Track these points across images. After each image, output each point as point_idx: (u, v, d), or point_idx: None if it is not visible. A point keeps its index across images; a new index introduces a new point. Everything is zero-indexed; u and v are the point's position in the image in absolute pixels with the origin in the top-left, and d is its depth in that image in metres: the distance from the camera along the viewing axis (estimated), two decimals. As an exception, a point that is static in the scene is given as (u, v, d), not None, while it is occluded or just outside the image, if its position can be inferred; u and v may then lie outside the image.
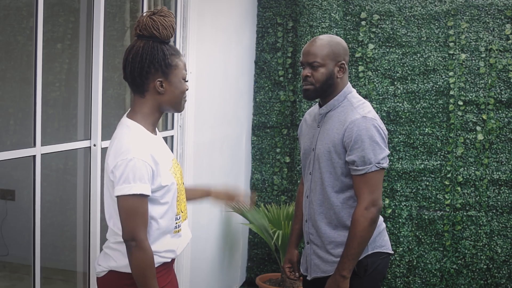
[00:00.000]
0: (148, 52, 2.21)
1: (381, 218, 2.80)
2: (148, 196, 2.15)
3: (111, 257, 2.27)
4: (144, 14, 2.25)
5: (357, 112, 2.66)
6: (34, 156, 2.74)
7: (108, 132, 3.43)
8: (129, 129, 2.22)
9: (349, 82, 2.83)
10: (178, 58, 2.27)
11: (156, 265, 2.22)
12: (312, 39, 2.80)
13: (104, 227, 3.35)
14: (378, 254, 2.75)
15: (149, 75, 2.22)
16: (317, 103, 2.88)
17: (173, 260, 2.39)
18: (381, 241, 2.78)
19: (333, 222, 2.74)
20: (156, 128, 2.37)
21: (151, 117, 2.28)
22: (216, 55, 4.69)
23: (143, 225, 2.14)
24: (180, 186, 2.36)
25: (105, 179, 2.26)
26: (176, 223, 2.32)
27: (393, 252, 2.97)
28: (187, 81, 2.33)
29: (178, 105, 2.31)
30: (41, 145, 2.76)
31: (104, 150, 3.29)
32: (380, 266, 2.76)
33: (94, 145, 3.22)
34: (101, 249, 3.26)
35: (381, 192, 2.68)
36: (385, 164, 2.65)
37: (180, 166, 2.44)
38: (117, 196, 2.13)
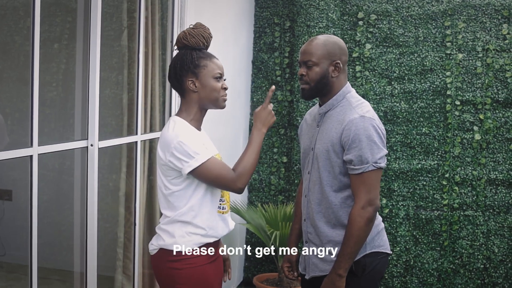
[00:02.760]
0: (179, 58, 2.58)
1: (379, 218, 2.80)
2: (213, 156, 2.52)
3: (161, 236, 2.59)
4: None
5: (356, 112, 2.66)
6: (31, 156, 2.74)
7: (105, 132, 3.43)
8: (175, 123, 2.55)
9: (348, 82, 2.83)
10: (208, 60, 2.59)
11: (198, 245, 2.55)
12: (310, 38, 2.81)
13: (100, 227, 3.36)
14: (376, 254, 2.75)
15: (182, 77, 2.57)
16: (318, 103, 2.89)
17: (216, 241, 2.65)
18: (380, 241, 2.78)
19: (331, 221, 2.74)
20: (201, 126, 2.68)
21: (193, 114, 2.61)
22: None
23: (228, 172, 2.51)
24: None
25: (158, 173, 2.61)
26: (221, 204, 2.63)
27: (391, 252, 2.97)
28: (224, 80, 2.63)
29: (216, 101, 2.61)
30: (38, 145, 2.76)
31: (101, 150, 3.29)
32: (378, 266, 2.76)
33: (91, 145, 3.22)
34: (98, 249, 3.27)
35: (378, 192, 2.67)
36: (383, 164, 2.65)
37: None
38: (193, 170, 2.46)
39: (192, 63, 2.55)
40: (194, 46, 2.58)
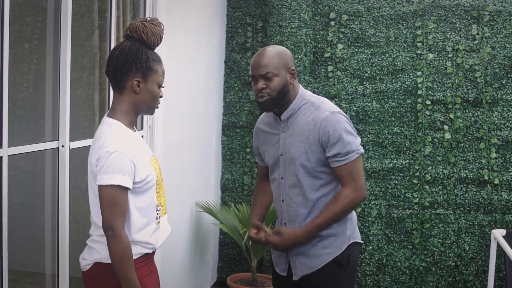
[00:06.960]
0: (133, 51, 2.35)
1: (353, 211, 2.92)
2: (127, 188, 2.27)
3: (95, 249, 2.37)
4: (137, 19, 2.41)
5: (323, 110, 2.77)
6: (1, 157, 2.70)
7: (76, 133, 3.40)
8: (111, 127, 2.35)
9: (300, 85, 2.92)
10: (159, 65, 2.42)
11: (137, 256, 2.35)
12: (258, 52, 2.85)
13: (72, 229, 3.33)
14: (355, 244, 2.89)
15: (129, 72, 2.35)
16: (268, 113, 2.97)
17: (153, 252, 2.48)
18: (356, 232, 2.92)
19: None
20: (134, 126, 2.49)
21: (129, 115, 2.41)
22: (186, 55, 4.68)
23: (120, 215, 2.26)
24: (160, 181, 2.51)
25: (89, 177, 2.38)
26: (157, 213, 2.45)
27: (363, 242, 3.07)
28: (163, 87, 2.45)
29: (151, 108, 2.45)
30: (8, 146, 2.73)
31: (72, 151, 3.26)
32: (356, 256, 2.91)
33: (62, 146, 3.20)
34: (70, 251, 3.24)
35: (364, 180, 2.81)
36: (362, 149, 2.81)
37: (158, 163, 2.58)
38: (98, 186, 2.26)
39: (146, 63, 2.35)
40: (150, 44, 2.39)
